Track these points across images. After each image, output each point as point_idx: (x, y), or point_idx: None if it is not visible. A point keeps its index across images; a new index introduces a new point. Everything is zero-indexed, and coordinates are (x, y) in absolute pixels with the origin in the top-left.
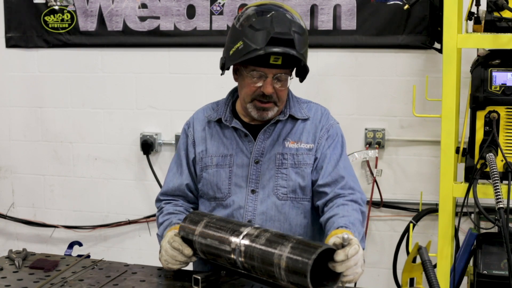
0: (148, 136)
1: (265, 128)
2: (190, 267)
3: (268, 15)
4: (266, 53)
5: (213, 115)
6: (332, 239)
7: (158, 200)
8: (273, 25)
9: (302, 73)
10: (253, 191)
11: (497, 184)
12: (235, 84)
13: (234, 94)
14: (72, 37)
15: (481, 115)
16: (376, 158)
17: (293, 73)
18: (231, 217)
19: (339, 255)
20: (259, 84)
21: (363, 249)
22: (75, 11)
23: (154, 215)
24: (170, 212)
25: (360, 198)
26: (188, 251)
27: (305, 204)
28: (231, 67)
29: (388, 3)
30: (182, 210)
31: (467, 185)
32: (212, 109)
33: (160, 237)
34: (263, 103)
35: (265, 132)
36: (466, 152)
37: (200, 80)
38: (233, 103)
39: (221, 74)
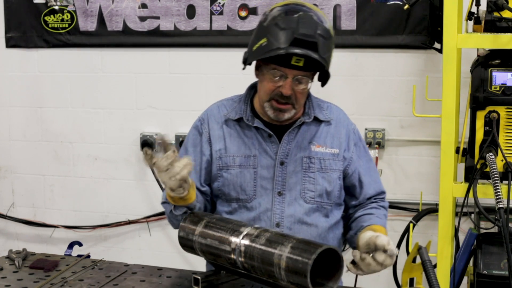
0: (148, 136)
1: (290, 129)
2: (190, 267)
3: (296, 15)
4: (287, 53)
5: (232, 113)
6: (369, 233)
7: (164, 203)
8: (299, 26)
9: (325, 78)
10: (279, 193)
11: (497, 184)
12: (234, 84)
13: (251, 90)
14: (72, 37)
15: (481, 115)
16: (376, 158)
17: (315, 77)
18: (258, 220)
19: (380, 255)
20: (279, 83)
21: None
22: (75, 11)
23: (154, 215)
24: None
25: (387, 205)
26: (171, 146)
27: (328, 208)
28: (254, 62)
29: (388, 3)
30: None
31: (467, 185)
32: (229, 107)
33: (166, 202)
34: (280, 103)
35: (290, 134)
36: (466, 152)
37: (200, 80)
38: (251, 100)
39: (243, 69)
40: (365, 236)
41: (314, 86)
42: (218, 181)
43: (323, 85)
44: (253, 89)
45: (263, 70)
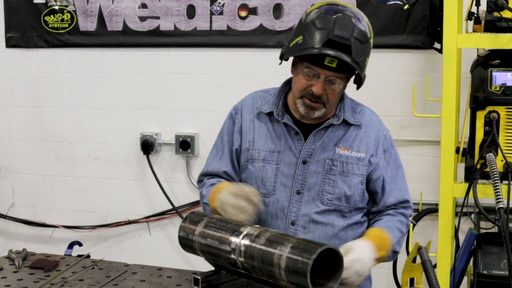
0: (148, 136)
1: (317, 130)
2: (190, 267)
3: (334, 16)
4: (319, 53)
5: (264, 106)
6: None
7: (200, 181)
8: (335, 27)
9: (360, 81)
10: (298, 192)
11: (497, 184)
12: (235, 84)
13: (287, 85)
14: (72, 37)
15: (481, 115)
16: None
17: (352, 79)
18: (274, 217)
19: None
20: (311, 82)
21: (398, 252)
22: (75, 11)
23: (154, 215)
24: (212, 183)
25: (410, 214)
26: (255, 197)
27: (346, 211)
28: (291, 58)
29: (388, 3)
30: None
31: (467, 185)
32: (264, 99)
33: (208, 204)
34: (312, 101)
35: (316, 134)
36: (466, 152)
37: (200, 80)
38: (285, 95)
39: (279, 64)
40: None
41: None
42: (245, 172)
43: (358, 88)
44: (288, 84)
45: (298, 67)
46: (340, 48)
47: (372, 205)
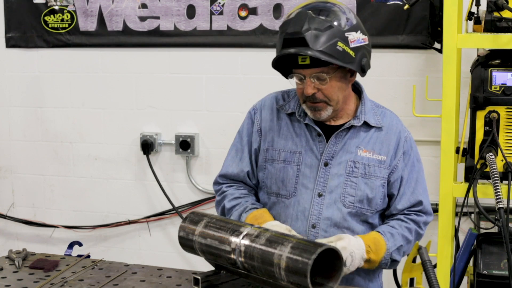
0: (148, 136)
1: (338, 131)
2: (190, 267)
3: (292, 16)
4: (281, 55)
5: (286, 106)
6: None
7: (217, 183)
8: (288, 26)
9: (359, 68)
10: (319, 195)
11: (497, 184)
12: (235, 84)
13: None
14: (72, 37)
15: (481, 115)
16: None
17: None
18: (295, 219)
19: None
20: (303, 85)
21: (397, 261)
22: (75, 11)
23: (154, 215)
24: (237, 197)
25: (424, 221)
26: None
27: (368, 215)
28: None
29: (388, 3)
30: (247, 193)
31: (467, 185)
32: (284, 100)
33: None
34: (312, 103)
35: (337, 136)
36: (466, 152)
37: (200, 80)
38: None
39: (286, 78)
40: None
41: None
42: (263, 172)
43: (362, 75)
44: None
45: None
46: (296, 43)
47: (386, 208)
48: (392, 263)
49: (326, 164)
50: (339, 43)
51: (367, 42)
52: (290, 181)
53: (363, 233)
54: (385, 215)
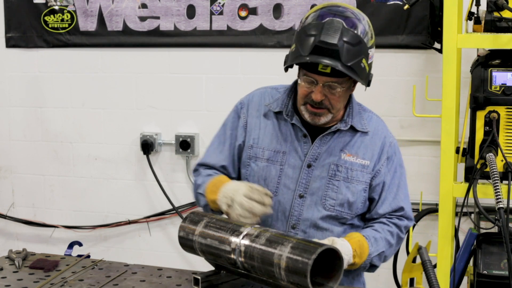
0: (148, 136)
1: (324, 134)
2: (190, 267)
3: (324, 20)
4: (311, 62)
5: (273, 104)
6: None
7: (196, 170)
8: (321, 33)
9: (366, 81)
10: (301, 196)
11: (497, 184)
12: (235, 84)
13: (296, 84)
14: (72, 37)
15: (481, 115)
16: None
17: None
18: (275, 219)
19: None
20: (311, 89)
21: (377, 266)
22: (75, 11)
23: (154, 215)
24: (209, 174)
25: (405, 225)
26: (268, 200)
27: (347, 218)
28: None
29: (388, 3)
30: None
31: (467, 185)
32: (272, 97)
33: (204, 195)
34: (314, 108)
35: (323, 138)
36: (466, 152)
37: (200, 80)
38: (294, 95)
39: (285, 72)
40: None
41: None
42: (246, 169)
43: (366, 86)
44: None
45: (299, 74)
46: (328, 53)
47: (366, 212)
48: (371, 268)
49: (309, 166)
50: (363, 60)
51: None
52: (272, 181)
53: (342, 234)
54: (366, 218)
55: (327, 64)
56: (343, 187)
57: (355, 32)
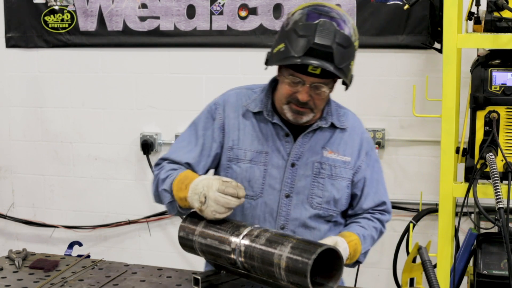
0: (148, 136)
1: (306, 132)
2: (190, 267)
3: (315, 21)
4: (303, 63)
5: (251, 104)
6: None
7: (157, 164)
8: (315, 34)
9: (347, 83)
10: (287, 196)
11: (497, 184)
12: (234, 84)
13: (272, 84)
14: (72, 37)
15: (481, 115)
16: None
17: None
18: (262, 220)
19: None
20: (296, 89)
21: (361, 263)
22: (75, 11)
23: (154, 215)
24: (173, 168)
25: (387, 220)
26: (242, 192)
27: (333, 215)
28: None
29: (388, 3)
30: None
31: (467, 185)
32: (249, 97)
33: (169, 192)
34: (298, 107)
35: (304, 136)
36: (466, 152)
37: (200, 80)
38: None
39: (265, 69)
40: (327, 240)
41: None
42: (226, 172)
43: (346, 89)
44: (274, 82)
45: (283, 74)
46: (321, 56)
47: (348, 208)
48: (354, 264)
49: (293, 165)
50: (351, 63)
51: None
52: (257, 182)
53: (328, 232)
54: (348, 215)
55: (322, 66)
56: (328, 184)
57: (346, 34)
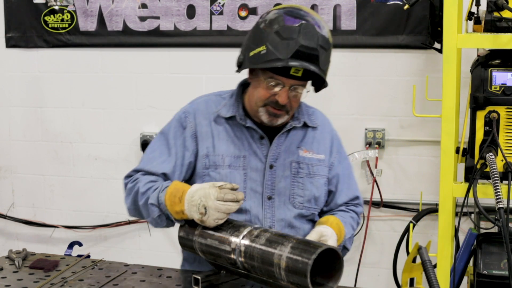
0: (148, 136)
1: (281, 133)
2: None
3: (296, 24)
4: (288, 65)
5: (223, 110)
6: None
7: (129, 176)
8: (300, 37)
9: (319, 84)
10: (269, 198)
11: (497, 184)
12: (234, 84)
13: (241, 88)
14: (72, 37)
15: (481, 115)
16: (376, 158)
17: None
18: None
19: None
20: (274, 91)
21: (348, 250)
22: (75, 11)
23: None
24: (152, 180)
25: (361, 212)
26: (241, 195)
27: (314, 213)
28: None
29: (388, 3)
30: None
31: (467, 185)
32: (219, 103)
33: (157, 205)
34: (276, 109)
35: (279, 137)
36: (466, 152)
37: (200, 80)
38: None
39: (237, 71)
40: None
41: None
42: (203, 180)
43: (316, 91)
44: (242, 86)
45: (259, 76)
46: (307, 58)
47: (323, 205)
48: (344, 252)
49: (271, 167)
50: (329, 63)
51: None
52: (239, 186)
53: (309, 229)
54: (323, 211)
55: (309, 68)
56: (308, 183)
57: (325, 36)
